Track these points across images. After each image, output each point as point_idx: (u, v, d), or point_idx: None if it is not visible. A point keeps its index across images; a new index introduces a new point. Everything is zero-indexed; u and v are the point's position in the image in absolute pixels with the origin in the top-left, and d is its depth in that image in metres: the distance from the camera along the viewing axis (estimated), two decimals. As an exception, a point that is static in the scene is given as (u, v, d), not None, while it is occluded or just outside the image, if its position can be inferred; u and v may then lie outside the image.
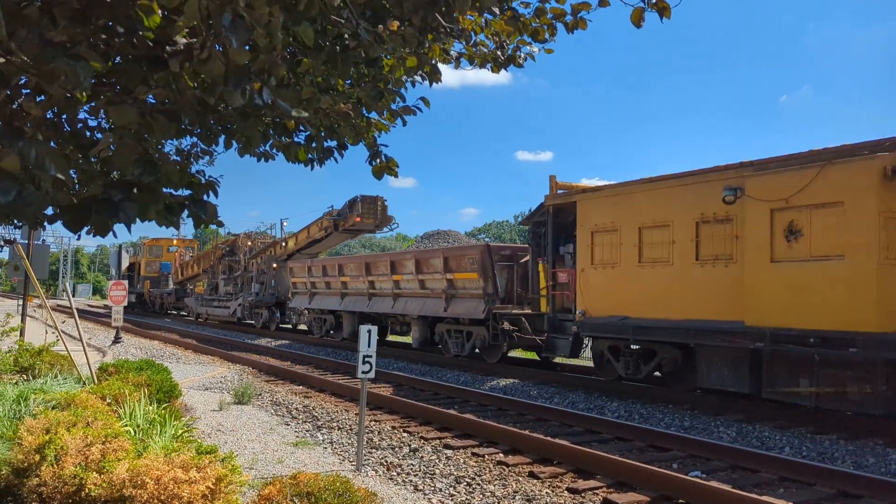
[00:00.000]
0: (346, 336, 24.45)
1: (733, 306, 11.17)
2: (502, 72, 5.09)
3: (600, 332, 13.89)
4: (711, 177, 11.86)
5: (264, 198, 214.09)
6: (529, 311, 16.68)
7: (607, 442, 10.04)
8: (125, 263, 47.86)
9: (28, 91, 2.88)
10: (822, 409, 10.46)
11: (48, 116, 3.63)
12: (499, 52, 4.71)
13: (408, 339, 23.28)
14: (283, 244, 31.58)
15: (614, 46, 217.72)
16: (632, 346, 13.42)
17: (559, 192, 15.53)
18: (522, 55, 4.92)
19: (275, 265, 30.99)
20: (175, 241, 45.88)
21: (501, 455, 9.11)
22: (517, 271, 17.74)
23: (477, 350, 18.67)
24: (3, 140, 1.93)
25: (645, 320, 12.70)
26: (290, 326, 32.35)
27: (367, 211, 25.71)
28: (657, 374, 13.64)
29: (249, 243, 34.41)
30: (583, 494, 7.47)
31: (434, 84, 4.49)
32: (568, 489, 7.64)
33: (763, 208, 10.73)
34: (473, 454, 9.19)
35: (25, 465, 6.06)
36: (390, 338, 25.00)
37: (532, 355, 19.73)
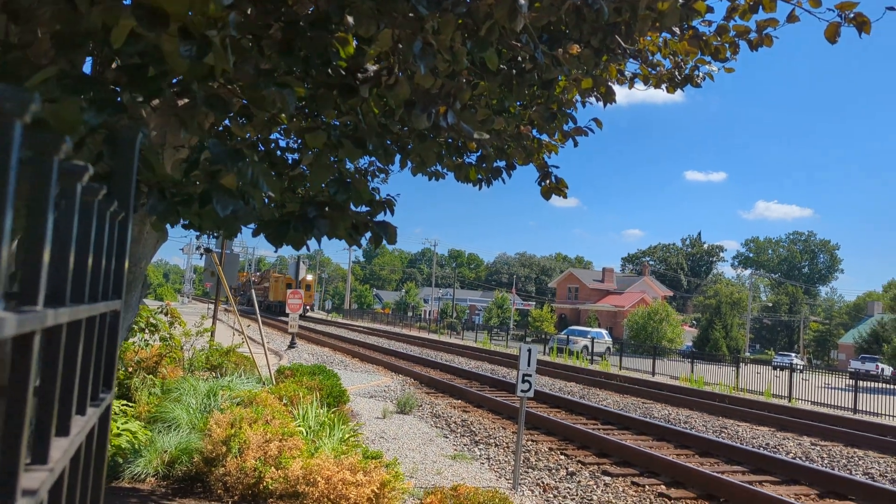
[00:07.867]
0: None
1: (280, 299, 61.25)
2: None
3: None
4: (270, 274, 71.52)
5: (427, 216, 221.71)
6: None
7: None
8: (302, 273, 59.11)
9: (231, 114, 3.22)
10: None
11: (248, 137, 4.00)
12: (675, 72, 4.57)
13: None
14: (254, 279, 71.87)
15: (801, 61, 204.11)
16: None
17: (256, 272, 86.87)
18: (701, 74, 4.74)
19: (252, 287, 66.26)
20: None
21: (663, 487, 8.76)
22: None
23: None
24: (225, 161, 2.17)
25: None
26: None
27: (264, 276, 72.26)
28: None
29: (253, 278, 73.21)
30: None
31: (608, 105, 4.44)
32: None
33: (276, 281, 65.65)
34: (633, 483, 8.91)
35: (213, 455, 6.64)
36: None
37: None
